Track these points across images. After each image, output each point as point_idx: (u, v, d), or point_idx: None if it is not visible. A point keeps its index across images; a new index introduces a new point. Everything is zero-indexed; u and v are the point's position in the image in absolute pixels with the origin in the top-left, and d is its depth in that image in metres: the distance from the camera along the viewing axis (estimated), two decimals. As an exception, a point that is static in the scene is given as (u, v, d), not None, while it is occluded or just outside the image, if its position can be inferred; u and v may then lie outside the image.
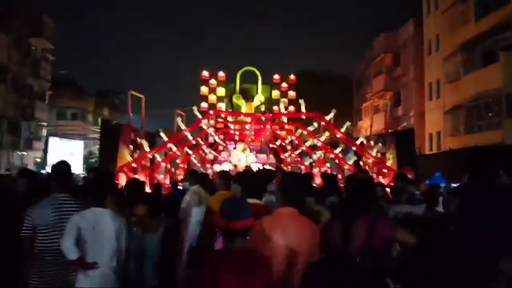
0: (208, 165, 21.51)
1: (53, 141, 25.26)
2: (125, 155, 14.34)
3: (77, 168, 20.96)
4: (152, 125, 16.45)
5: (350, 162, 16.45)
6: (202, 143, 18.37)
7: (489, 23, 18.38)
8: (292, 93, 26.75)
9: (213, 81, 26.52)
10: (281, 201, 3.00)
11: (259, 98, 23.72)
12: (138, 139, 15.12)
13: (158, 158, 15.72)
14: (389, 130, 21.58)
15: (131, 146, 15.21)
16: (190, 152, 18.31)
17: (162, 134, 14.90)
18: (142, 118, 16.42)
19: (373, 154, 15.32)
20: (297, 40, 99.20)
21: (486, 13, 18.75)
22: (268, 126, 16.30)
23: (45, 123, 32.04)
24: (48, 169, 24.28)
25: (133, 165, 13.93)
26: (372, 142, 16.56)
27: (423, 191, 7.62)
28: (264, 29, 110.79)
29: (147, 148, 14.72)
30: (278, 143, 21.64)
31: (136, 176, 14.23)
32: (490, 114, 17.69)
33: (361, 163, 16.80)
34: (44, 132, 31.41)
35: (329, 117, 15.51)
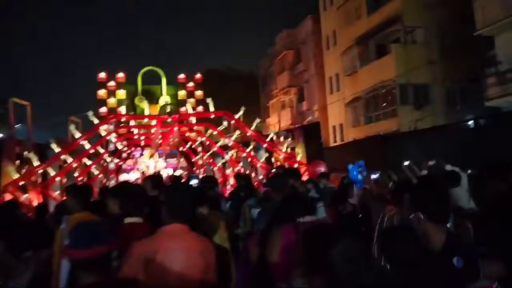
0: (112, 176, 19.88)
1: None
2: (11, 172, 12.45)
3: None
4: (43, 136, 14.56)
5: (262, 159, 16.32)
6: (102, 151, 16.82)
7: (380, 17, 19.55)
8: (199, 93, 25.99)
9: (111, 83, 24.65)
10: (166, 216, 2.49)
11: (164, 99, 22.58)
12: (26, 153, 13.24)
13: (52, 172, 13.95)
14: (296, 125, 22.09)
15: (17, 162, 13.28)
16: (89, 162, 16.66)
17: (53, 145, 13.19)
18: (28, 128, 14.46)
19: (284, 149, 15.35)
20: (198, 39, 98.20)
21: (377, 8, 19.90)
22: (175, 128, 15.42)
23: None
24: None
25: (21, 182, 12.13)
26: (281, 138, 16.62)
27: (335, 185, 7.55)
28: (162, 28, 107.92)
29: (36, 163, 12.93)
30: (188, 145, 20.80)
31: (25, 196, 12.41)
32: (385, 104, 18.82)
33: (272, 159, 16.77)
34: None
35: (238, 115, 15.13)
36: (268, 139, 15.64)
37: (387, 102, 18.75)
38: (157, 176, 5.84)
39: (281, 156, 14.81)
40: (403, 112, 17.65)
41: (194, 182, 5.11)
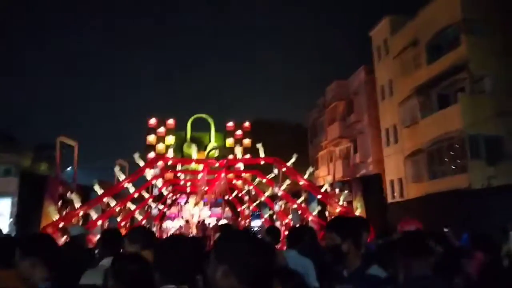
0: (156, 222, 19.13)
1: (-27, 201, 21.83)
2: (51, 213, 11.92)
3: (4, 230, 17.81)
4: (89, 179, 14.19)
5: (315, 212, 14.93)
6: (147, 196, 16.18)
7: (442, 66, 18.37)
8: (247, 141, 25.45)
9: (161, 129, 24.72)
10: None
11: (212, 145, 22.09)
12: (69, 194, 12.79)
13: (94, 215, 13.35)
14: (355, 176, 20.58)
15: (59, 202, 12.83)
16: (133, 207, 16.04)
17: (96, 186, 12.66)
18: (74, 169, 14.17)
19: (340, 202, 13.94)
20: (248, 90, 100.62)
21: (438, 56, 18.79)
22: (222, 174, 14.59)
23: (-32, 181, 28.23)
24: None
25: (61, 224, 11.53)
26: (337, 190, 15.23)
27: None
28: (214, 78, 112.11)
29: (78, 204, 12.38)
30: (234, 194, 19.87)
31: (64, 238, 11.71)
32: (454, 157, 17.10)
33: (326, 213, 15.33)
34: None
35: (290, 162, 14.10)
36: (322, 190, 14.38)
37: (456, 155, 17.02)
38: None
39: (337, 210, 13.39)
40: (475, 167, 15.84)
41: (256, 223, 4.22)
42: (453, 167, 17.00)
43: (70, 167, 23.44)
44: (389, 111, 22.89)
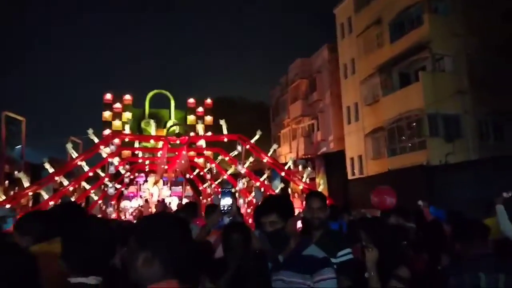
0: (112, 202, 18.37)
1: None
2: (-4, 194, 11.03)
3: None
4: (41, 157, 13.21)
5: (278, 190, 14.82)
6: (103, 175, 15.42)
7: (404, 45, 18.46)
8: (209, 118, 24.87)
9: (118, 105, 23.61)
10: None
11: (172, 122, 21.37)
12: (16, 173, 11.88)
13: (45, 195, 12.52)
14: (318, 153, 20.66)
15: (6, 182, 11.90)
16: (88, 186, 15.24)
17: (47, 165, 11.81)
18: (22, 146, 13.15)
19: (303, 179, 13.88)
20: (210, 67, 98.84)
21: (401, 35, 18.87)
22: (184, 152, 14.06)
23: None
24: None
25: (8, 205, 10.68)
26: (300, 167, 15.18)
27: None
28: (174, 54, 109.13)
29: (27, 184, 11.52)
30: (195, 172, 19.39)
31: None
32: (413, 135, 17.42)
33: (289, 190, 15.27)
34: None
35: (254, 139, 13.79)
36: (285, 168, 14.23)
37: (414, 133, 17.32)
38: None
39: (300, 187, 13.32)
40: (433, 144, 16.19)
41: (226, 202, 3.87)
42: (412, 144, 17.33)
43: (20, 146, 22.02)
44: (351, 89, 22.98)
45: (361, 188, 14.98)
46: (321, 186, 13.11)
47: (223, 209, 3.77)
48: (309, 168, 13.81)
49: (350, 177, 20.65)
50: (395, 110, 18.17)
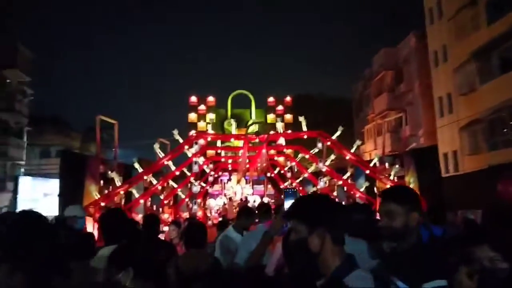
0: (198, 200, 19.00)
1: (24, 181, 22.72)
2: (92, 192, 11.89)
3: (53, 210, 18.48)
4: (132, 158, 14.11)
5: (362, 189, 14.06)
6: (188, 174, 15.96)
7: (504, 26, 16.48)
8: (288, 116, 24.60)
9: (202, 107, 24.41)
10: None
11: (252, 121, 21.52)
12: (109, 172, 12.72)
13: (136, 194, 13.27)
14: (407, 149, 19.27)
15: (101, 182, 12.79)
16: (175, 185, 15.88)
17: (136, 164, 12.48)
18: (114, 147, 14.09)
19: (390, 178, 12.96)
20: (290, 64, 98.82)
21: (500, 16, 16.87)
22: (263, 150, 13.99)
23: (22, 162, 29.58)
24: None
25: (103, 203, 11.46)
26: (387, 164, 14.22)
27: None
28: (252, 54, 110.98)
29: (118, 183, 12.28)
30: (276, 171, 19.30)
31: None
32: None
33: (375, 189, 14.40)
34: (22, 172, 28.93)
35: (335, 135, 13.22)
36: (370, 165, 13.43)
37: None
38: None
39: (388, 186, 12.46)
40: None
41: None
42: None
43: (120, 149, 23.89)
44: (443, 78, 21.14)
45: (458, 186, 13.60)
46: (411, 184, 12.14)
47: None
48: (397, 166, 12.86)
49: (444, 174, 19.00)
50: (495, 99, 16.29)
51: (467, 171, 17.53)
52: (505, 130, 16.17)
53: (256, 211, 4.62)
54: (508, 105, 15.92)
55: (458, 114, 19.58)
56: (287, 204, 2.95)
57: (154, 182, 13.83)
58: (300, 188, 17.21)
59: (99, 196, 11.58)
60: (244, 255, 3.49)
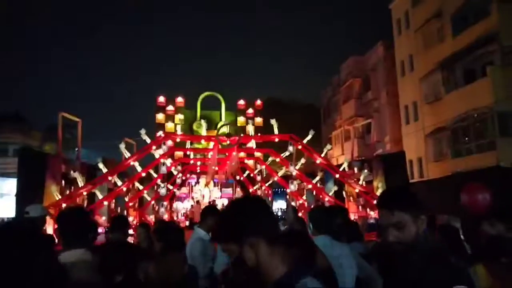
0: (165, 203, 18.51)
1: (-22, 180, 21.45)
2: (53, 192, 11.27)
3: (9, 212, 17.41)
4: (96, 158, 13.49)
5: (331, 193, 14.11)
6: (155, 176, 15.49)
7: (469, 38, 17.10)
8: (259, 120, 24.53)
9: (170, 107, 23.93)
10: None
11: (223, 122, 21.27)
12: (72, 172, 12.11)
13: (99, 195, 12.69)
14: (375, 154, 19.56)
15: (63, 182, 12.16)
16: (141, 187, 15.37)
17: (100, 164, 11.95)
18: (77, 147, 13.48)
19: (359, 182, 13.07)
20: (259, 68, 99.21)
21: (465, 28, 17.49)
22: (234, 153, 13.77)
23: (-24, 160, 27.96)
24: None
25: (64, 204, 10.87)
26: (355, 169, 14.36)
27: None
28: (224, 55, 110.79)
29: (81, 183, 11.71)
30: (245, 174, 19.10)
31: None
32: (480, 135, 16.01)
33: (343, 193, 14.49)
34: (-24, 170, 27.31)
35: (306, 139, 13.19)
36: (340, 169, 13.49)
37: (482, 133, 15.92)
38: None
39: (357, 190, 12.54)
40: (504, 144, 14.76)
41: (279, 205, 3.02)
42: (479, 145, 15.93)
43: (82, 148, 22.93)
44: (409, 87, 21.71)
45: (424, 192, 13.90)
46: (379, 189, 12.26)
47: (276, 214, 2.89)
48: (366, 170, 12.98)
49: (409, 180, 19.41)
50: (459, 108, 16.84)
51: (431, 178, 18.02)
52: (468, 138, 16.73)
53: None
54: (472, 114, 16.49)
55: (423, 121, 20.12)
56: (276, 204, 2.55)
57: (119, 183, 13.30)
58: (270, 191, 17.12)
59: (60, 197, 10.98)
60: (222, 265, 3.28)
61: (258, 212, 1.52)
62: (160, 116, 23.56)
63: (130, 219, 14.49)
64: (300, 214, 13.46)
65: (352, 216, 12.54)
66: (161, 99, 23.93)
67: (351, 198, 13.95)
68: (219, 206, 18.28)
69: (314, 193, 14.93)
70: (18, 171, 11.16)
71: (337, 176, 13.07)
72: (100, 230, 7.89)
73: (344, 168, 14.07)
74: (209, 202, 18.90)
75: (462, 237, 4.32)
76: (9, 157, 37.18)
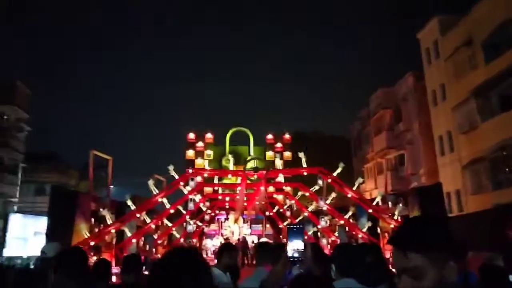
0: (194, 240, 18.30)
1: (15, 219, 21.98)
2: (82, 230, 11.33)
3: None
4: (125, 195, 13.59)
5: (365, 229, 13.51)
6: (184, 212, 15.40)
7: (502, 64, 16.52)
8: (287, 154, 24.30)
9: (200, 144, 24.16)
10: None
11: (250, 158, 21.21)
12: (101, 210, 12.20)
13: (128, 233, 12.68)
14: (410, 188, 18.79)
15: (92, 220, 12.24)
16: (170, 224, 15.28)
17: (129, 201, 11.99)
18: (108, 184, 13.62)
19: (394, 217, 12.47)
20: (287, 103, 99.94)
21: (497, 55, 16.96)
22: (262, 187, 13.54)
23: (15, 199, 28.87)
24: (6, 251, 20.73)
25: (92, 242, 10.88)
26: (390, 203, 13.77)
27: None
28: (251, 90, 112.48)
29: (110, 221, 11.74)
30: (275, 209, 18.73)
31: (95, 258, 11.02)
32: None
33: (378, 229, 13.85)
34: (15, 209, 28.17)
35: (336, 172, 12.84)
36: (373, 204, 12.96)
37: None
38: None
39: (391, 226, 11.94)
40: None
41: (295, 245, 2.53)
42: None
43: (114, 186, 23.38)
44: (443, 117, 21.04)
45: (464, 227, 13.08)
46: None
47: (292, 256, 2.47)
48: (400, 204, 12.40)
49: (447, 214, 18.46)
50: (497, 136, 16.06)
51: (470, 212, 17.03)
52: (507, 169, 15.83)
53: (255, 252, 4.12)
54: (510, 143, 15.67)
55: (459, 152, 19.30)
56: (291, 244, 2.16)
57: (148, 220, 13.29)
58: (298, 224, 16.65)
59: (89, 234, 11.02)
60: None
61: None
62: (190, 153, 23.78)
63: (159, 256, 14.36)
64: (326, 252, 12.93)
65: (388, 254, 11.89)
66: (191, 135, 24.24)
67: (386, 234, 13.30)
68: (249, 243, 17.88)
69: (347, 229, 14.38)
70: (49, 209, 11.33)
71: (370, 211, 12.54)
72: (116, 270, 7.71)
73: (377, 203, 13.53)
74: (239, 239, 18.54)
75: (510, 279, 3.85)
76: (46, 196, 38.29)
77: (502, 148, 15.99)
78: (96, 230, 11.63)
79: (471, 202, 18.01)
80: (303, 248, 2.08)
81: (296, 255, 2.09)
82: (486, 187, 16.87)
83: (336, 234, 14.66)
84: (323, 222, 13.27)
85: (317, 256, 3.18)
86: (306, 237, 17.73)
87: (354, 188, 12.81)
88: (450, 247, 1.25)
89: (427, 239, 1.25)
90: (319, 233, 16.09)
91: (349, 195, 12.46)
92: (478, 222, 12.29)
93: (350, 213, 14.23)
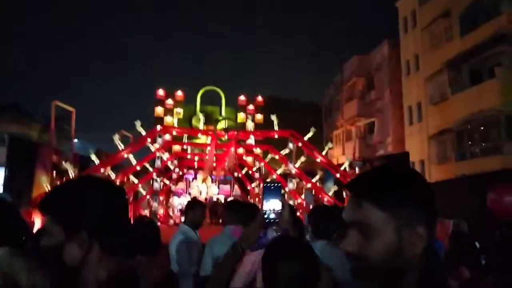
0: (161, 198, 18.10)
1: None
2: (43, 183, 10.88)
3: None
4: (89, 149, 13.12)
5: (331, 193, 13.72)
6: (151, 170, 15.09)
7: (477, 38, 16.63)
8: (259, 116, 24.03)
9: (169, 101, 23.46)
10: None
11: (221, 118, 20.85)
12: (63, 163, 11.73)
13: (92, 188, 12.28)
14: (379, 155, 19.18)
15: (53, 173, 11.77)
16: (136, 181, 14.97)
17: (93, 156, 11.54)
18: (72, 135, 13.07)
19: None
20: (261, 67, 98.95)
21: (473, 28, 17.03)
22: (232, 148, 13.37)
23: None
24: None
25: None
26: (357, 169, 13.96)
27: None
28: (225, 52, 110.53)
29: (73, 175, 11.32)
30: (244, 171, 18.70)
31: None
32: (486, 138, 15.57)
33: (344, 194, 14.10)
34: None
35: (307, 136, 12.79)
36: (341, 169, 13.09)
37: (488, 136, 15.49)
38: None
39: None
40: (510, 149, 14.33)
41: (273, 205, 2.20)
42: (485, 148, 15.48)
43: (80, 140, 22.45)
44: (414, 87, 21.25)
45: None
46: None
47: (268, 217, 2.05)
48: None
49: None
50: (465, 109, 16.40)
51: (434, 181, 17.60)
52: (473, 141, 16.29)
53: (224, 210, 3.94)
54: (479, 116, 16.05)
55: (427, 123, 19.68)
56: (267, 204, 1.83)
57: (113, 176, 12.92)
58: (276, 183, 16.73)
59: (50, 188, 10.57)
60: (209, 268, 2.88)
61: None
62: (158, 110, 23.06)
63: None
64: (298, 214, 13.05)
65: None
66: (161, 92, 23.43)
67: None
68: (218, 201, 17.89)
69: (313, 192, 14.54)
70: (7, 161, 10.77)
71: (338, 175, 12.67)
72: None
73: (345, 168, 13.66)
74: (206, 199, 18.51)
75: (477, 246, 3.87)
76: (4, 147, 36.84)
77: (468, 121, 16.38)
78: (58, 183, 11.18)
79: (435, 172, 18.56)
80: (280, 208, 1.81)
81: (272, 216, 1.81)
82: (450, 158, 17.38)
83: (303, 196, 14.81)
84: (291, 185, 13.33)
85: (294, 218, 2.98)
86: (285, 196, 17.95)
87: (323, 153, 12.83)
88: (421, 207, 0.94)
89: (389, 187, 0.94)
90: (286, 195, 16.23)
91: (318, 160, 12.50)
92: (443, 190, 12.69)
93: (317, 177, 14.35)
